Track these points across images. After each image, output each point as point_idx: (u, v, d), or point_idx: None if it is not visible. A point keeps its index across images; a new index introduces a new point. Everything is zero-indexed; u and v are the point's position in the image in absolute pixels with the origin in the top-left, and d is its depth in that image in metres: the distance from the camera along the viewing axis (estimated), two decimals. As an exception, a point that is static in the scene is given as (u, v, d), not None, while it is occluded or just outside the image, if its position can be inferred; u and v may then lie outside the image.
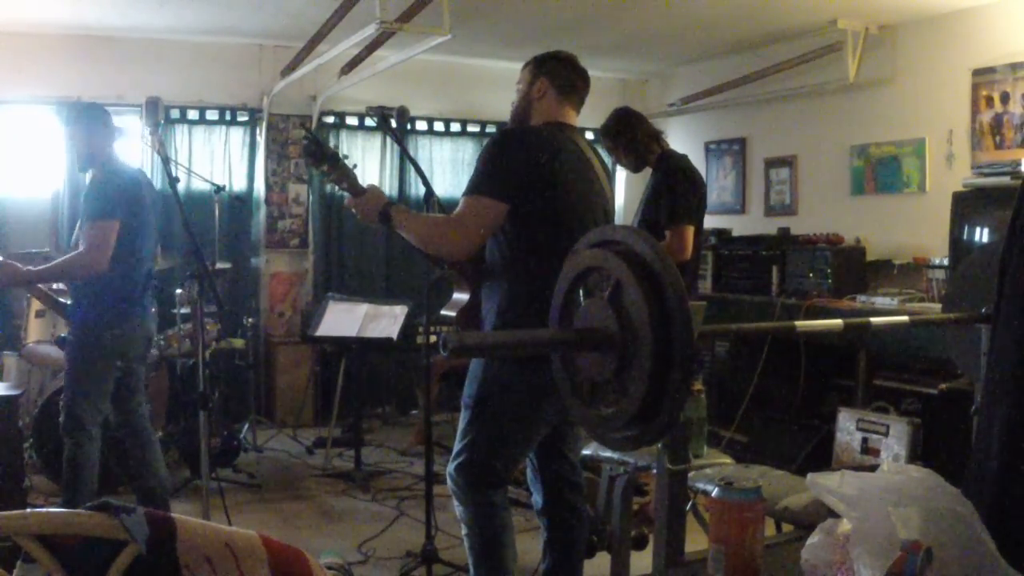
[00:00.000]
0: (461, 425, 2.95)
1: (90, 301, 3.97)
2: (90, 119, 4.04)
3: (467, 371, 2.99)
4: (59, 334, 4.68)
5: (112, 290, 3.95)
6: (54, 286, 4.57)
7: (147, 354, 4.28)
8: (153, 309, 4.29)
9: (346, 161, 3.07)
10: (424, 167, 7.44)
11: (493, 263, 2.91)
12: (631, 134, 4.56)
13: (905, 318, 2.32)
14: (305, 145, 3.04)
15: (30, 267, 3.96)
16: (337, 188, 3.14)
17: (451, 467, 2.94)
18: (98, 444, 4.02)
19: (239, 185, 7.25)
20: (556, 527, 3.11)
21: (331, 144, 7.50)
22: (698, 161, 5.27)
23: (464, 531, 2.96)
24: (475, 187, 2.85)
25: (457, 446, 2.94)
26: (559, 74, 3.08)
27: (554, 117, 3.05)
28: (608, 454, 3.38)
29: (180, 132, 7.09)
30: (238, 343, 6.36)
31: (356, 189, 3.02)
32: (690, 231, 4.35)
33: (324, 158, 3.01)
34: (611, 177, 3.25)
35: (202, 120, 7.15)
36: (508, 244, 2.86)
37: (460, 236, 2.83)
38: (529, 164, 2.82)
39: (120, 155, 4.14)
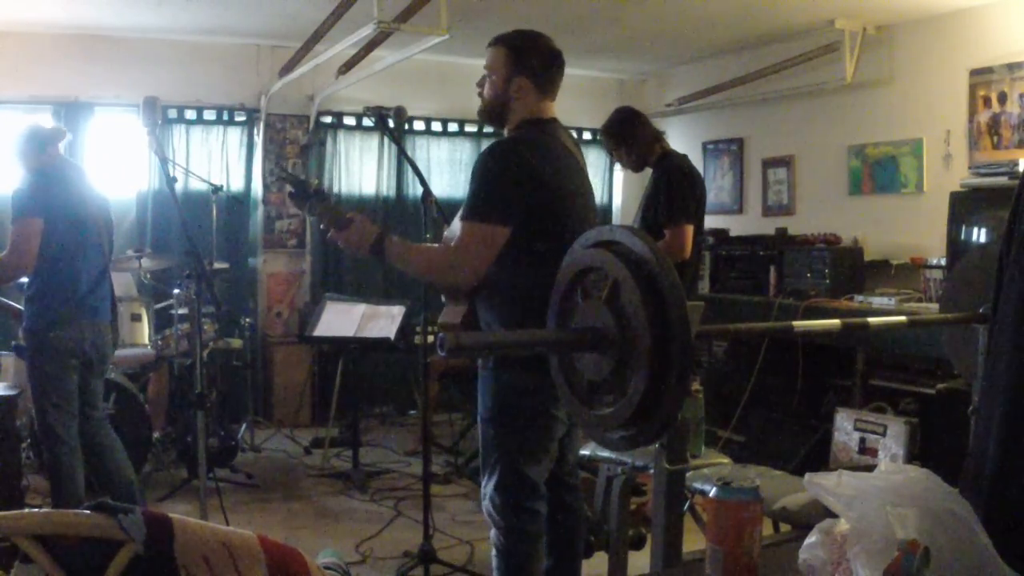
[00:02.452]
0: (483, 444, 2.86)
1: (33, 306, 3.95)
2: (17, 145, 4.02)
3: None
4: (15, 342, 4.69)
5: (51, 292, 3.92)
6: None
7: (103, 364, 4.21)
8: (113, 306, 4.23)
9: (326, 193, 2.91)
10: (422, 167, 7.45)
11: (491, 273, 2.79)
12: (633, 134, 4.55)
13: (903, 318, 2.33)
14: (286, 184, 2.86)
15: None
16: (320, 224, 2.86)
17: (487, 489, 2.84)
18: (75, 448, 3.99)
19: (236, 185, 7.24)
20: (555, 529, 3.08)
21: (329, 145, 7.52)
22: (696, 161, 5.29)
23: (493, 553, 2.88)
24: (476, 212, 2.71)
25: (486, 466, 2.85)
26: (538, 72, 2.89)
27: (534, 114, 2.89)
28: (606, 454, 3.38)
29: (178, 132, 7.08)
30: (236, 343, 6.36)
31: (340, 222, 2.79)
32: (689, 230, 4.35)
33: (308, 196, 2.81)
34: (585, 162, 3.14)
35: (200, 120, 7.15)
36: (509, 255, 2.73)
37: (466, 267, 2.72)
38: (531, 182, 2.72)
39: (59, 158, 4.09)
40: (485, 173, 2.75)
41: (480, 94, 2.95)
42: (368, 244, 2.75)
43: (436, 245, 2.96)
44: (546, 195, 2.74)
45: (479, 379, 2.86)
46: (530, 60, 2.89)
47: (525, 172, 2.72)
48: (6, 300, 4.59)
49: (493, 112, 2.94)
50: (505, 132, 2.97)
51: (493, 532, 2.85)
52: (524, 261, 2.73)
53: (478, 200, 2.72)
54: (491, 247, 2.69)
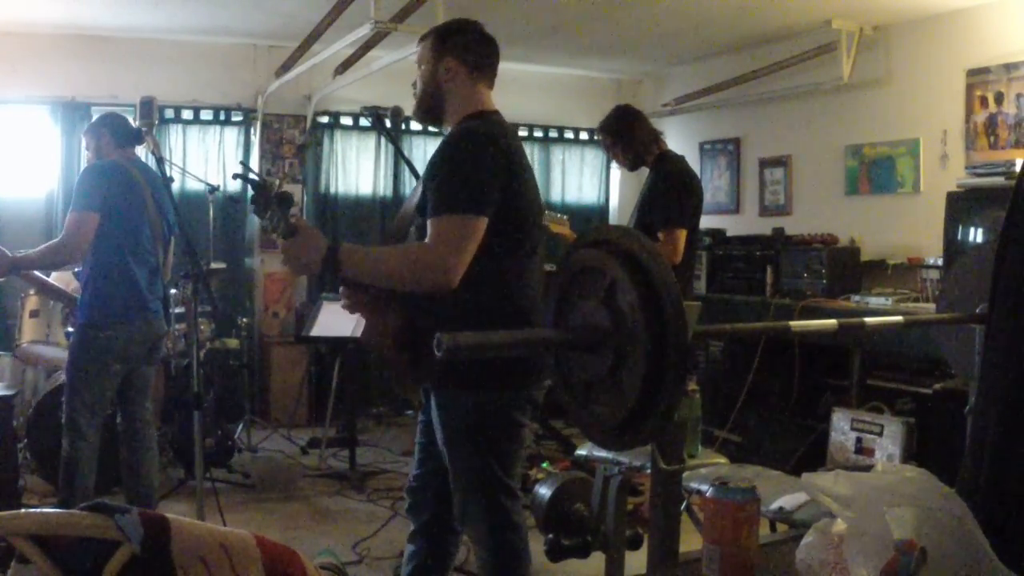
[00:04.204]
0: (456, 468, 2.64)
1: (89, 301, 3.97)
2: (97, 126, 4.14)
3: None
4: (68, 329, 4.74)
5: (109, 290, 3.94)
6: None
7: (155, 354, 4.23)
8: (165, 306, 4.25)
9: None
10: (418, 167, 7.42)
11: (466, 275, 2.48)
12: (631, 133, 4.55)
13: (900, 318, 2.32)
14: (254, 197, 2.49)
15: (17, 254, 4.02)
16: (270, 230, 2.52)
17: (467, 511, 2.67)
18: (94, 446, 4.01)
19: (233, 185, 7.23)
20: (435, 548, 2.87)
21: (326, 145, 7.52)
22: (693, 161, 5.29)
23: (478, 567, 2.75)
24: (453, 204, 2.43)
25: (461, 490, 2.65)
26: (467, 50, 2.67)
27: (477, 105, 2.67)
28: (602, 454, 3.38)
29: (175, 132, 7.08)
30: (232, 343, 6.35)
31: (288, 229, 2.48)
32: (682, 235, 4.35)
33: (269, 201, 2.49)
34: None
35: (196, 120, 7.14)
36: (489, 251, 2.48)
37: (450, 265, 2.39)
38: (504, 171, 2.50)
39: (131, 158, 4.14)
40: (454, 161, 2.50)
41: (414, 94, 2.76)
42: (319, 257, 2.44)
43: (402, 245, 2.64)
44: (519, 184, 2.55)
45: (436, 403, 2.64)
46: (456, 41, 2.69)
47: (498, 160, 2.49)
48: (64, 289, 4.62)
49: (427, 105, 2.72)
50: (445, 129, 2.73)
51: (483, 555, 2.69)
52: (495, 260, 2.52)
53: (452, 190, 2.45)
54: (473, 240, 2.42)
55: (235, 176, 2.64)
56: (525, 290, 2.62)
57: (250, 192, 2.50)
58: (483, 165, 2.47)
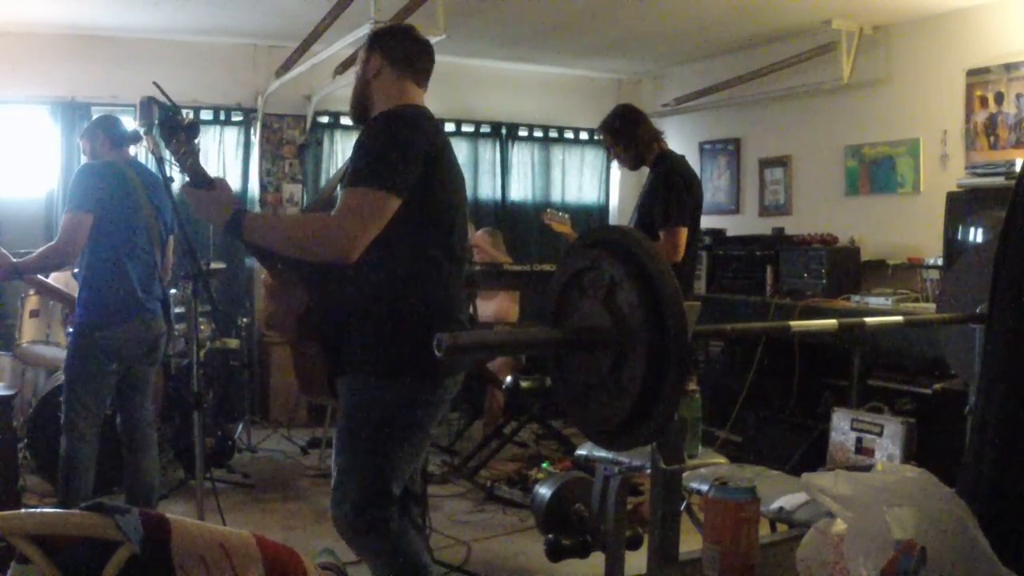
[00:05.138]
0: (344, 451, 2.64)
1: (85, 301, 3.97)
2: (92, 128, 4.18)
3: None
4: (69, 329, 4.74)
5: (103, 291, 3.94)
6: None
7: (155, 354, 4.21)
8: (165, 306, 4.23)
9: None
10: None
11: (376, 258, 2.49)
12: (632, 131, 4.57)
13: (900, 318, 2.33)
14: (162, 119, 2.54)
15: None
16: (179, 167, 2.59)
17: (343, 509, 2.61)
18: (93, 446, 4.00)
19: (233, 185, 7.20)
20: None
21: (326, 145, 7.52)
22: (693, 161, 5.29)
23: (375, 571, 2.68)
24: (366, 178, 2.44)
25: (343, 478, 2.63)
26: (393, 47, 2.72)
27: (403, 99, 2.70)
28: (602, 454, 3.38)
29: (174, 132, 7.08)
30: (232, 343, 6.35)
31: (203, 177, 2.50)
32: (683, 233, 4.36)
33: (177, 128, 2.53)
34: None
35: (196, 120, 7.13)
36: (405, 236, 2.49)
37: (352, 236, 2.39)
38: (429, 157, 2.52)
39: (127, 159, 4.15)
40: (374, 139, 2.52)
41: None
42: (227, 214, 2.49)
43: (307, 214, 2.65)
44: (440, 175, 2.56)
45: (348, 387, 2.63)
46: (384, 39, 2.76)
47: (419, 143, 2.51)
48: (64, 290, 4.62)
49: (356, 103, 2.78)
50: None
51: (365, 553, 2.68)
52: (411, 248, 2.54)
53: (366, 165, 2.46)
54: (379, 216, 2.42)
55: (143, 97, 2.66)
56: (441, 284, 2.61)
57: (158, 116, 2.53)
58: (402, 145, 2.49)
